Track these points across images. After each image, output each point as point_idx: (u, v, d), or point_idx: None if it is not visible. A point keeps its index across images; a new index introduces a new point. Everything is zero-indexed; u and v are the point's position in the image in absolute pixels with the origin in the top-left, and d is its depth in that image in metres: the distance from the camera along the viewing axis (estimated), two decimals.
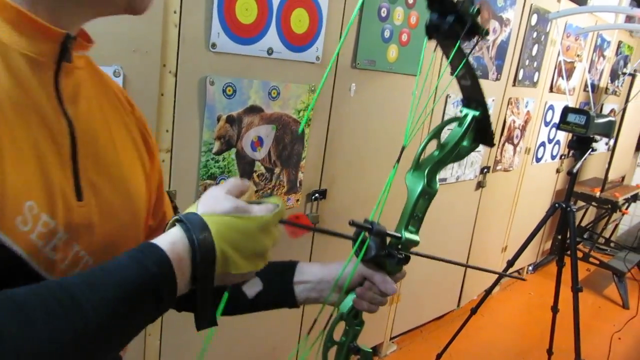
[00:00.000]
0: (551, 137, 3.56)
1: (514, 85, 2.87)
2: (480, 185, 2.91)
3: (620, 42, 4.06)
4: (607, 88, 4.06)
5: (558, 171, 3.86)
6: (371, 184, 2.09)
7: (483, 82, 2.75)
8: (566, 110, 2.22)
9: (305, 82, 1.69)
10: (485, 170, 2.90)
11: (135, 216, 0.63)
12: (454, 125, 0.71)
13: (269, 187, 1.70)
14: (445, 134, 0.69)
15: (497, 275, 2.57)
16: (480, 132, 0.69)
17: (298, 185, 1.80)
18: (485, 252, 3.26)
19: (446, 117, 2.38)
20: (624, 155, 4.40)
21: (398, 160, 0.62)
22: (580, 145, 2.22)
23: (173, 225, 0.52)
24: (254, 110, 1.57)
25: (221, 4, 1.39)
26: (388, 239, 0.68)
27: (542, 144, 3.48)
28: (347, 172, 1.99)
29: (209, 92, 1.44)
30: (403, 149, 0.62)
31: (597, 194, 3.82)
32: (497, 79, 2.70)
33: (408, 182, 0.69)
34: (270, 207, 0.54)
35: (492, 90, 2.70)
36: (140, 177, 0.66)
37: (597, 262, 3.79)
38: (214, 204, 0.52)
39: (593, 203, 3.96)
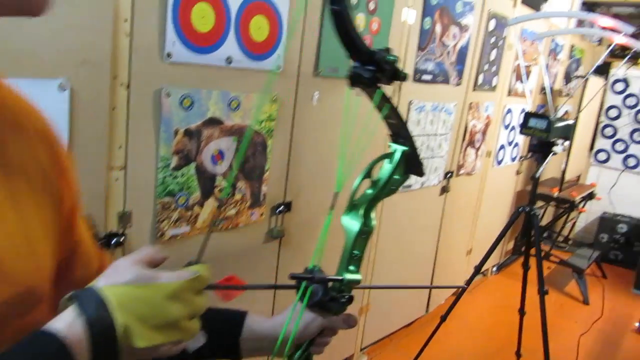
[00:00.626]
0: (510, 140, 3.62)
1: (474, 89, 2.90)
2: (444, 190, 2.91)
3: (572, 46, 4.19)
4: (561, 90, 4.18)
5: (518, 173, 3.93)
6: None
7: (445, 88, 2.75)
8: (527, 116, 2.25)
9: (266, 91, 1.63)
10: (449, 174, 2.91)
11: (40, 263, 0.53)
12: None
13: (231, 202, 1.62)
14: (373, 170, 0.74)
15: (463, 283, 2.57)
16: (410, 164, 0.74)
17: (262, 198, 1.74)
18: (450, 256, 3.28)
19: (411, 123, 2.37)
20: (578, 155, 4.54)
21: (332, 207, 0.65)
22: (541, 149, 2.24)
23: (68, 302, 0.47)
24: (213, 122, 1.50)
25: (176, 12, 1.32)
26: (330, 283, 0.69)
27: (502, 147, 3.54)
28: (312, 183, 1.94)
29: (164, 104, 1.36)
30: (336, 194, 0.63)
31: (556, 194, 3.91)
32: (459, 84, 2.71)
33: (345, 225, 0.71)
34: (182, 274, 0.50)
35: (453, 95, 2.71)
36: (48, 214, 0.55)
37: (558, 260, 3.88)
38: (116, 274, 0.49)
39: (552, 203, 4.05)
